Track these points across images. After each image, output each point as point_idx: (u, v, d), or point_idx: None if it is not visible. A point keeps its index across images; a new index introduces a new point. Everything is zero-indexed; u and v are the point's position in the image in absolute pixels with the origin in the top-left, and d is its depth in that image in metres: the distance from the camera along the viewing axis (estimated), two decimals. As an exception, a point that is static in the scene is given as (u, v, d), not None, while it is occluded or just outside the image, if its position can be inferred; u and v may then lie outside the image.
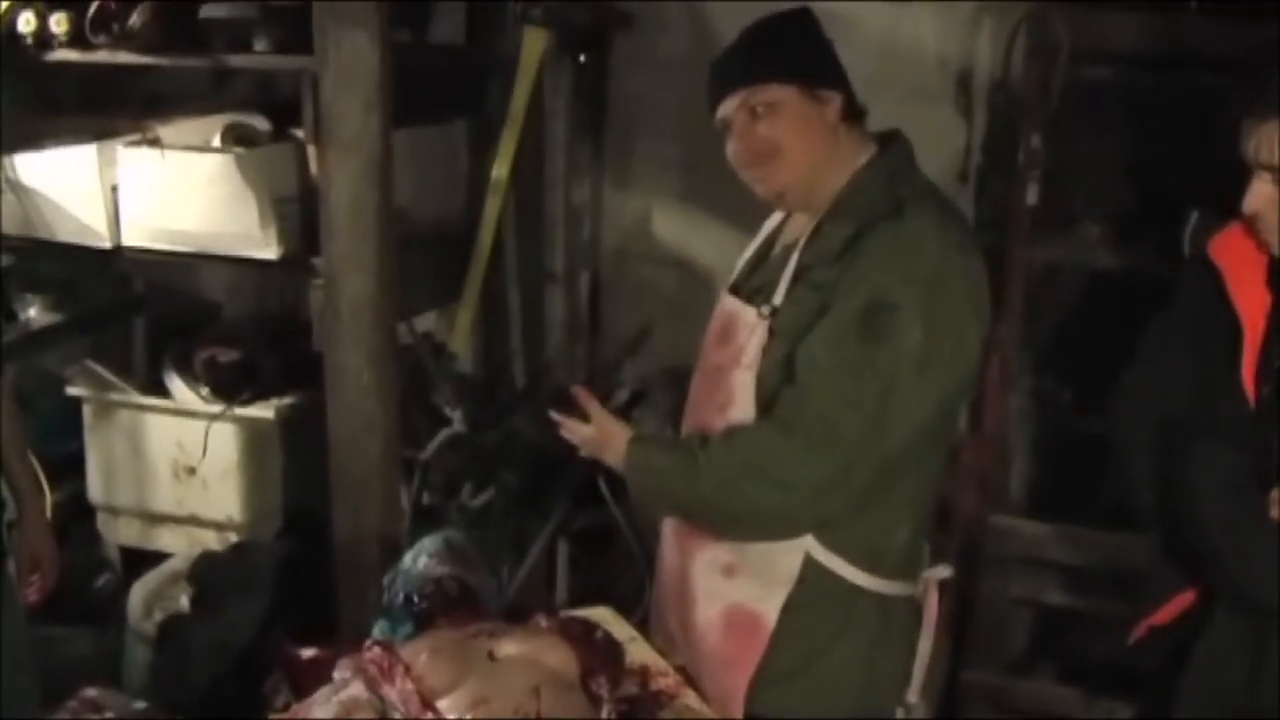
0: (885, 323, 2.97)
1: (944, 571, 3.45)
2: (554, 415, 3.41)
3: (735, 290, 3.39)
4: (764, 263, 3.39)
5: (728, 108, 3.20)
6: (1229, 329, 2.92)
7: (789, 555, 3.20)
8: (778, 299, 3.17)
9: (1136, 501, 3.12)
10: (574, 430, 3.36)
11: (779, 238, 3.40)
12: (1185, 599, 3.07)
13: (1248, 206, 2.87)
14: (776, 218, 3.46)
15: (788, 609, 3.22)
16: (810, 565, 3.19)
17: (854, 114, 3.24)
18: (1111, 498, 4.04)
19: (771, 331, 3.17)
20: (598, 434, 3.32)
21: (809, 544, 3.18)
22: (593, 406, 3.33)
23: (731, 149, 3.23)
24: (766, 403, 3.14)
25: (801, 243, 3.20)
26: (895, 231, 3.04)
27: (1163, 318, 3.15)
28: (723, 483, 3.09)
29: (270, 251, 4.71)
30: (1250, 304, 2.92)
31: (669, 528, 3.53)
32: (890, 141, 3.27)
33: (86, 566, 5.38)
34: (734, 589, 3.29)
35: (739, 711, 3.25)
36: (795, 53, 3.19)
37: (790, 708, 3.29)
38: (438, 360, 5.08)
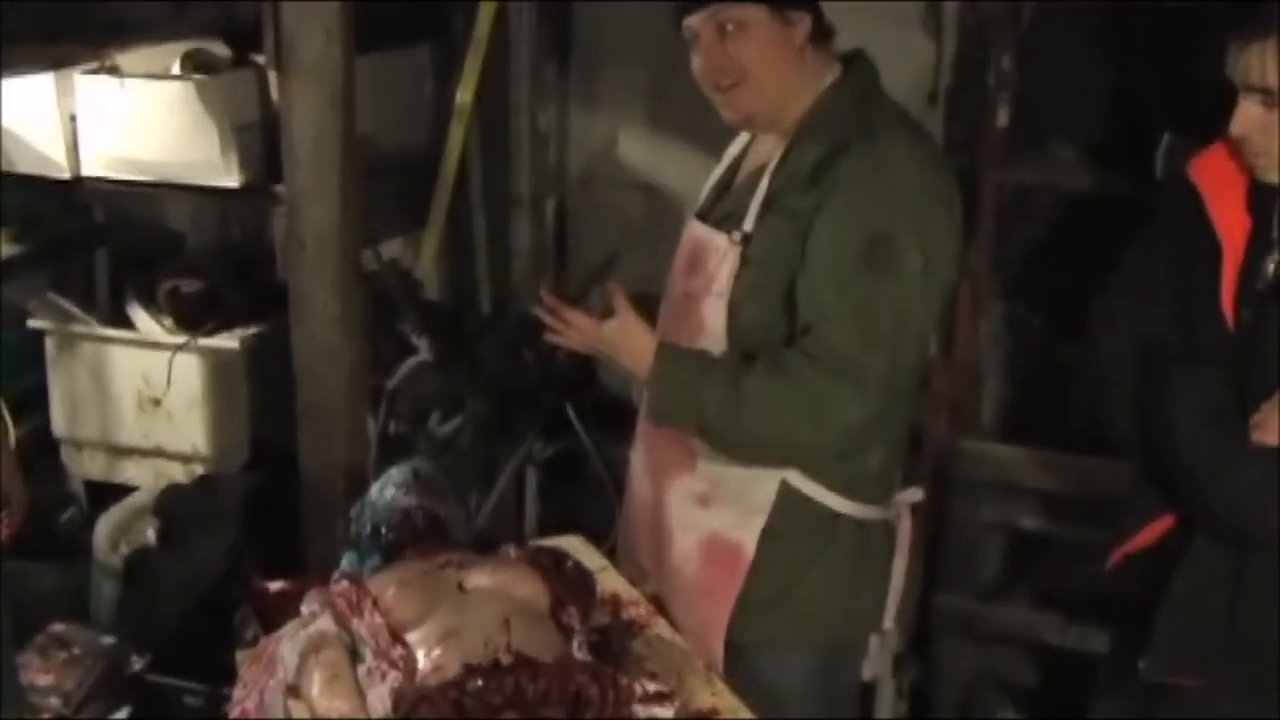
0: (885, 255, 2.96)
1: (916, 494, 3.44)
2: (550, 307, 3.22)
3: (703, 217, 3.34)
4: (730, 188, 3.35)
5: (695, 19, 3.13)
6: (1208, 251, 2.90)
7: (764, 483, 3.18)
8: (748, 225, 3.13)
9: (1115, 428, 3.10)
10: (582, 329, 3.18)
11: (744, 162, 3.36)
12: (1162, 525, 3.05)
13: (1235, 129, 2.84)
14: (741, 141, 3.41)
15: (765, 537, 3.20)
16: (786, 492, 3.18)
17: (822, 35, 3.18)
18: (1084, 422, 4.03)
19: (744, 259, 3.13)
20: (622, 334, 3.15)
21: (785, 471, 3.17)
22: (625, 303, 3.16)
23: (696, 64, 3.17)
24: (738, 330, 3.12)
25: (770, 167, 3.16)
26: (872, 158, 3.01)
27: (1140, 241, 3.12)
28: (762, 412, 3.02)
29: (232, 180, 4.69)
30: (1230, 226, 2.89)
31: (639, 459, 3.50)
32: (855, 62, 3.23)
33: (51, 501, 5.34)
34: (710, 518, 3.26)
35: (719, 641, 3.23)
36: None
37: (770, 636, 3.27)
38: (404, 288, 5.05)
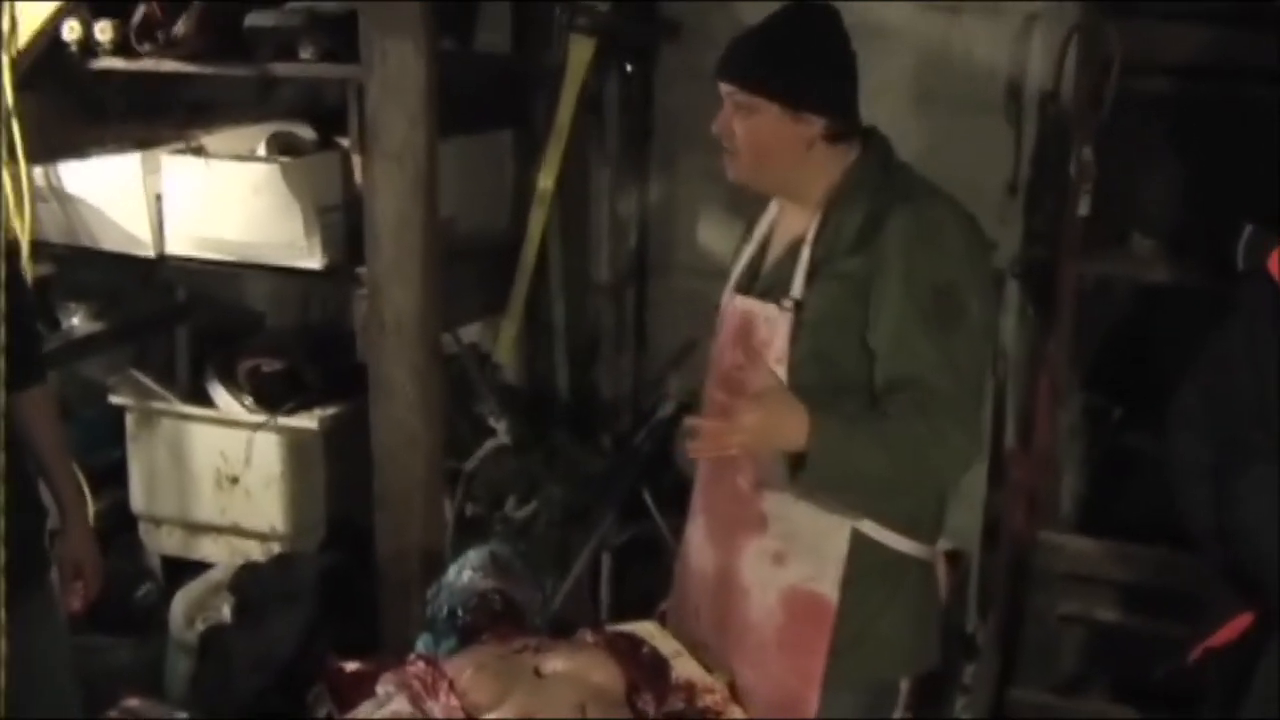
0: (954, 305, 3.10)
1: (947, 544, 3.57)
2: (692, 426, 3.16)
3: (743, 292, 3.43)
4: (764, 263, 3.44)
5: (724, 87, 3.34)
6: (1287, 345, 2.88)
7: (837, 532, 3.26)
8: (796, 292, 3.23)
9: (1194, 525, 3.08)
10: (734, 425, 3.05)
11: (773, 239, 3.45)
12: (1243, 621, 3.03)
13: None
14: (768, 219, 3.50)
15: (845, 585, 3.27)
16: (858, 539, 3.26)
17: (838, 137, 3.29)
18: (1163, 514, 4.01)
19: (797, 324, 3.21)
20: (775, 413, 3.04)
21: (855, 518, 3.25)
22: (774, 380, 3.16)
23: (717, 119, 3.36)
24: (797, 393, 3.11)
25: (810, 236, 3.26)
26: (916, 218, 3.15)
27: (1218, 335, 3.10)
28: (906, 452, 3.09)
29: (314, 261, 4.70)
30: (1308, 320, 2.88)
31: (699, 530, 3.54)
32: (870, 136, 3.36)
33: (128, 576, 5.36)
34: (786, 574, 3.31)
35: (815, 690, 3.28)
36: (793, 71, 3.25)
37: (848, 680, 3.33)
38: (482, 371, 5.06)
